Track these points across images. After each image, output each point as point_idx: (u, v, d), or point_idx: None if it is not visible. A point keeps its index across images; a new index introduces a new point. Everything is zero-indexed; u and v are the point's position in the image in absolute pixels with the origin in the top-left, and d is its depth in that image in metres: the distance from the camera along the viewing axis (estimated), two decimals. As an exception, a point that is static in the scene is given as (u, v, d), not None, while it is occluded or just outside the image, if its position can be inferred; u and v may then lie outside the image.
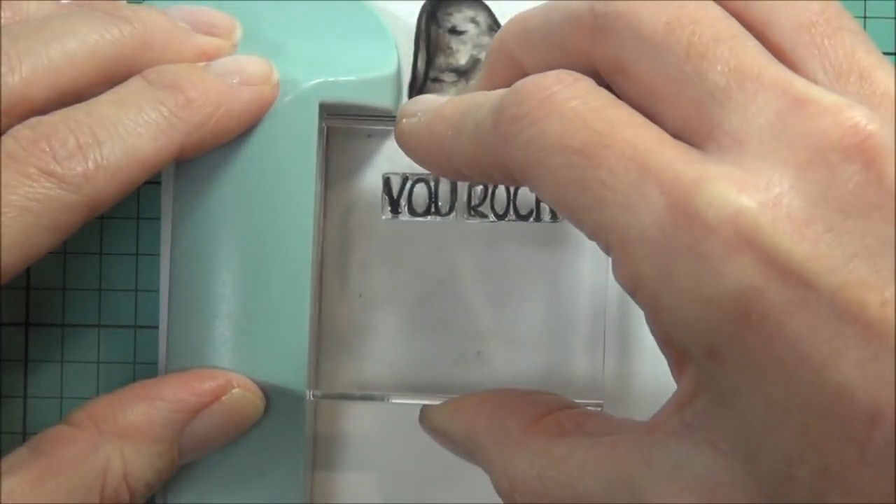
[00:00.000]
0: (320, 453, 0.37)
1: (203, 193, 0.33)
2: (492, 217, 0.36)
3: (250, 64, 0.32)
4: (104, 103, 0.30)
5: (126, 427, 0.31)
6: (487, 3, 0.37)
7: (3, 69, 0.29)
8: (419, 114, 0.32)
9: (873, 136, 0.23)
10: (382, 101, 0.35)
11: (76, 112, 0.29)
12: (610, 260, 0.26)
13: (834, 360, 0.22)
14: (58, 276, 0.37)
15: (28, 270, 0.36)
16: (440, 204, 0.36)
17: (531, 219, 0.36)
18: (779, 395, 0.22)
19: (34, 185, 0.28)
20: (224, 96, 0.31)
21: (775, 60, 0.25)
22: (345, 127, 0.36)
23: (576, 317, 0.37)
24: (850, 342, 0.22)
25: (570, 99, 0.26)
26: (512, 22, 0.31)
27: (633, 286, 0.25)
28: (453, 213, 0.36)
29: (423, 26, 0.37)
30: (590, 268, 0.37)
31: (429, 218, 0.36)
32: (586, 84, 0.27)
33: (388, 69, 0.35)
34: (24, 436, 0.36)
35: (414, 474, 0.37)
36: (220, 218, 0.33)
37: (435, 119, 0.31)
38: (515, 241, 0.37)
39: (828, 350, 0.22)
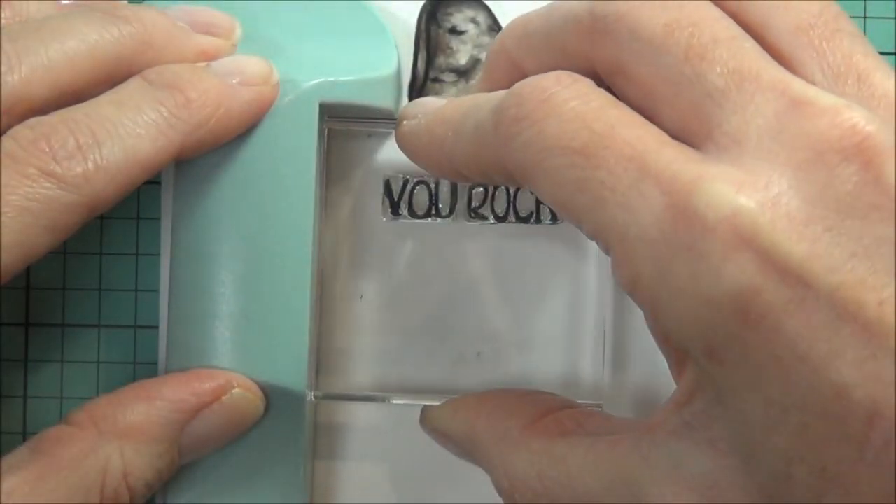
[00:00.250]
0: (320, 455, 0.37)
1: (203, 193, 0.33)
2: (492, 219, 0.36)
3: (250, 64, 0.32)
4: (104, 103, 0.30)
5: (126, 427, 0.31)
6: (487, 3, 0.37)
7: (3, 69, 0.29)
8: (419, 116, 0.32)
9: (872, 137, 0.23)
10: (382, 101, 0.35)
11: (76, 112, 0.29)
12: (610, 260, 0.26)
13: (832, 360, 0.22)
14: (58, 276, 0.37)
15: (28, 270, 0.36)
16: (441, 206, 0.36)
17: (531, 220, 0.36)
18: (777, 394, 0.23)
19: (34, 185, 0.28)
20: (224, 96, 0.31)
21: (774, 62, 0.25)
22: (345, 128, 0.36)
23: (576, 318, 0.37)
24: (848, 342, 0.22)
25: (570, 100, 0.26)
26: (512, 24, 0.31)
27: (633, 286, 0.25)
28: (454, 215, 0.36)
29: (423, 26, 0.37)
30: (590, 269, 0.37)
31: (429, 220, 0.36)
32: (586, 85, 0.27)
33: (388, 69, 0.35)
34: (24, 436, 0.36)
35: (414, 474, 0.37)
36: (220, 218, 0.33)
37: (435, 120, 0.31)
38: (516, 242, 0.37)
39: (826, 350, 0.22)
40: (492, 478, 0.30)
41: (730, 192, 0.23)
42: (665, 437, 0.25)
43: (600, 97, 0.26)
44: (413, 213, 0.36)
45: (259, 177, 0.33)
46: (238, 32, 0.34)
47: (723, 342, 0.23)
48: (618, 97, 0.27)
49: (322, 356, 0.37)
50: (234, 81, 0.32)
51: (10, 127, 0.29)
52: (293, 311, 0.33)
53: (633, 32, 0.26)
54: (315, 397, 0.36)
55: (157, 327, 0.36)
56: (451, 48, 0.37)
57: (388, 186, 0.36)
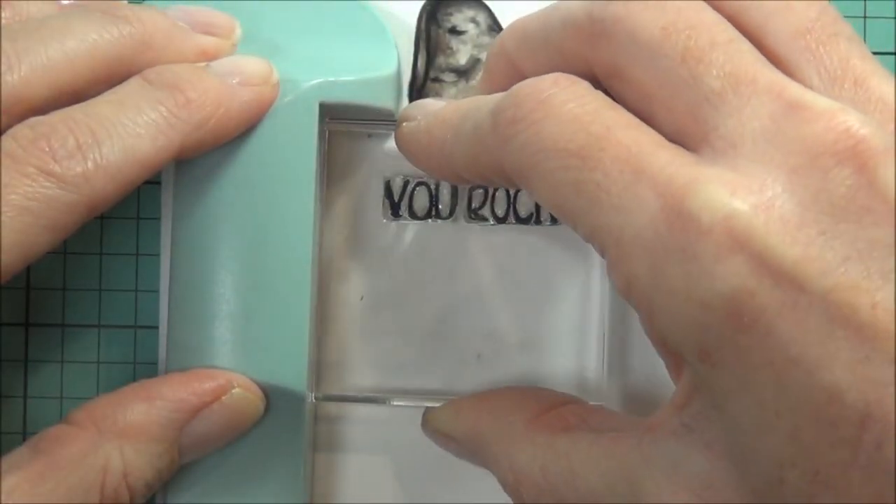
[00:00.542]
0: (320, 450, 0.37)
1: (203, 193, 0.33)
2: (492, 220, 0.36)
3: (250, 64, 0.32)
4: (103, 103, 0.30)
5: (126, 427, 0.31)
6: (487, 3, 0.37)
7: (3, 68, 0.29)
8: (419, 117, 0.32)
9: (866, 141, 0.23)
10: (382, 101, 0.35)
11: (75, 112, 0.29)
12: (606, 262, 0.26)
13: (825, 363, 0.22)
14: (58, 276, 0.37)
15: (28, 270, 0.36)
16: (441, 207, 0.36)
17: (531, 222, 0.36)
18: (770, 397, 0.23)
19: (33, 184, 0.28)
20: (224, 96, 0.31)
21: (770, 65, 0.25)
22: (345, 129, 0.36)
23: (576, 319, 0.37)
24: (841, 344, 0.22)
25: (567, 101, 0.26)
26: (512, 26, 0.31)
27: (628, 288, 0.25)
28: (454, 216, 0.36)
29: (423, 26, 0.37)
30: (590, 270, 0.37)
31: (429, 221, 0.36)
32: (583, 87, 0.27)
33: (388, 69, 0.35)
34: (24, 436, 0.36)
35: (414, 470, 0.37)
36: (220, 218, 0.33)
37: (434, 122, 0.31)
38: (516, 243, 0.37)
39: (819, 352, 0.22)
40: (497, 475, 0.30)
41: (724, 195, 0.23)
42: (664, 438, 0.26)
43: (597, 99, 0.26)
44: (413, 215, 0.36)
45: (259, 177, 0.33)
46: (238, 32, 0.34)
47: (716, 345, 0.23)
48: (615, 99, 0.27)
49: (322, 357, 0.37)
50: (233, 81, 0.32)
51: (9, 126, 0.29)
52: (293, 311, 0.33)
53: (630, 35, 0.26)
54: (315, 398, 0.36)
55: (157, 327, 0.36)
56: (451, 48, 0.37)
57: (388, 187, 0.36)
